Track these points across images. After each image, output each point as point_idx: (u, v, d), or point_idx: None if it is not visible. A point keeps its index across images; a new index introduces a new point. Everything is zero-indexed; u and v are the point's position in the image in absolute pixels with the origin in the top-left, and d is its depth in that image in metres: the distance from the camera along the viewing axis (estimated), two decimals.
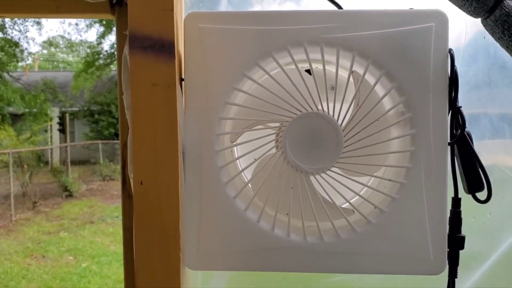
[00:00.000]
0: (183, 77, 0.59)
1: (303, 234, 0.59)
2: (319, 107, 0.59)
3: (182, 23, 0.58)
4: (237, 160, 0.62)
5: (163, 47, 0.52)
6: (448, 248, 0.59)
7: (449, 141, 0.59)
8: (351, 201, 0.59)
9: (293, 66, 0.59)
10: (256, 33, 0.58)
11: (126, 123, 0.56)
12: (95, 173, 10.30)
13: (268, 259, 0.59)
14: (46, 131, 11.41)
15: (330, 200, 0.59)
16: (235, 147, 0.63)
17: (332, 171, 0.59)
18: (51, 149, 11.08)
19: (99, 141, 11.59)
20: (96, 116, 12.75)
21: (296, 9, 0.64)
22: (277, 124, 0.60)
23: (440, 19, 0.57)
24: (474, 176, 0.58)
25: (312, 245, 0.59)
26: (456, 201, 0.60)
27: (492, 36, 0.61)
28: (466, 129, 0.58)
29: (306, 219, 0.59)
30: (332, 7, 0.63)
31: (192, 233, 0.58)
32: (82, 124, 13.13)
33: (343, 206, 0.60)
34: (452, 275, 0.59)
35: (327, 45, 0.58)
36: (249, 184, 0.61)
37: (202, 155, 0.58)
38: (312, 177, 0.59)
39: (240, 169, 0.61)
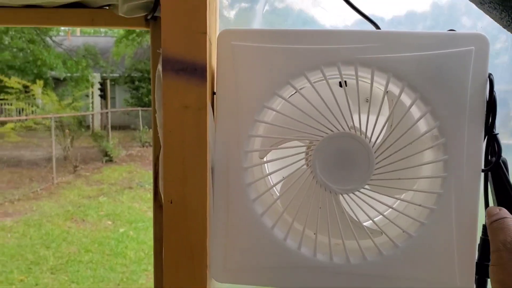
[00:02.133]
0: (215, 90, 0.59)
1: (329, 254, 0.59)
2: (351, 126, 0.58)
3: (216, 41, 0.58)
4: (267, 177, 0.63)
5: (195, 71, 0.52)
6: (476, 275, 0.58)
7: (483, 168, 0.57)
8: (378, 223, 0.59)
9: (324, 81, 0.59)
10: (288, 52, 0.57)
11: (158, 139, 0.57)
12: (134, 139, 10.54)
13: (293, 277, 0.60)
14: (87, 96, 11.69)
15: (357, 220, 0.59)
16: (265, 164, 0.63)
17: (362, 192, 0.59)
18: (92, 114, 11.38)
19: (139, 108, 11.81)
20: (137, 82, 12.95)
21: (330, 28, 0.62)
22: (307, 141, 0.60)
23: (481, 42, 0.55)
24: (507, 205, 0.57)
25: (338, 266, 0.59)
26: (487, 229, 0.59)
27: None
28: (502, 157, 0.56)
29: (333, 238, 0.59)
30: (370, 27, 0.61)
31: (219, 247, 0.60)
32: (123, 90, 13.37)
33: (371, 227, 0.60)
34: None
35: (362, 65, 0.57)
36: (277, 202, 0.61)
37: (231, 172, 0.59)
38: (340, 197, 0.59)
39: (270, 185, 0.62)
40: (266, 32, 0.58)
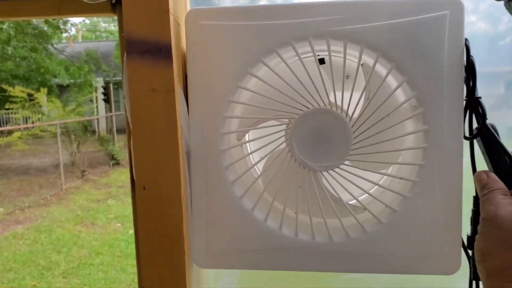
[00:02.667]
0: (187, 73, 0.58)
1: (311, 234, 0.58)
2: (327, 102, 0.57)
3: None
4: (247, 158, 0.62)
5: (160, 51, 0.51)
6: (469, 249, 0.56)
7: (467, 135, 0.55)
8: (360, 199, 0.58)
9: (304, 56, 0.57)
10: (258, 29, 0.56)
11: (130, 127, 0.56)
12: None
13: (276, 259, 0.58)
14: (91, 101, 11.72)
15: (338, 197, 0.57)
16: (245, 145, 0.62)
17: (341, 169, 0.57)
18: (97, 119, 11.42)
19: None
20: None
21: (300, 2, 0.60)
22: (286, 121, 0.58)
23: (455, 6, 0.53)
24: (505, 172, 0.54)
25: (321, 245, 0.58)
26: (478, 200, 0.56)
27: None
28: (488, 121, 0.54)
29: (315, 217, 0.58)
30: None
31: (200, 232, 0.59)
32: None
33: (353, 204, 0.58)
34: (476, 277, 0.56)
35: (334, 38, 0.55)
36: (257, 183, 0.60)
37: (208, 155, 0.58)
38: (320, 174, 0.58)
39: (250, 166, 0.60)
40: (235, 9, 0.57)
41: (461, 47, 0.54)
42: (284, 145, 0.58)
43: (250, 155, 0.62)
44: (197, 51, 0.57)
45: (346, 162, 0.57)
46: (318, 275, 0.62)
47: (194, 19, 0.56)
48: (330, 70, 0.55)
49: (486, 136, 0.54)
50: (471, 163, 0.55)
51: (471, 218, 0.56)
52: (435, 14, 0.53)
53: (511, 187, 0.53)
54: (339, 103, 0.56)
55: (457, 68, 0.54)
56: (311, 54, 0.56)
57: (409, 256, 0.56)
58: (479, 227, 0.50)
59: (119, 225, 5.41)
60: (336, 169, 0.57)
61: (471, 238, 0.55)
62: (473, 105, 0.54)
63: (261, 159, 0.59)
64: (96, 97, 12.02)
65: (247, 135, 0.62)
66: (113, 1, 0.57)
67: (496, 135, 0.53)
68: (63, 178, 7.15)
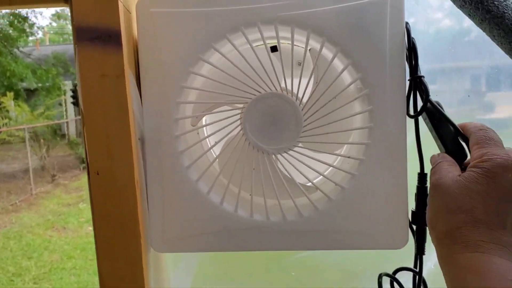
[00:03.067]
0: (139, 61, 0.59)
1: (265, 214, 0.59)
2: (278, 87, 0.58)
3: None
4: (202, 143, 0.63)
5: (110, 38, 0.52)
6: (414, 224, 0.59)
7: (412, 113, 0.58)
8: (314, 180, 0.60)
9: (257, 44, 0.59)
10: (208, 15, 0.57)
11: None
12: None
13: (232, 240, 0.60)
14: (60, 104, 11.52)
15: (291, 178, 0.59)
16: (200, 130, 0.63)
17: (294, 151, 0.59)
18: (67, 122, 11.22)
19: None
20: None
21: None
22: (240, 105, 0.60)
23: None
24: (453, 146, 0.56)
25: (275, 224, 0.59)
26: (422, 177, 0.58)
27: (454, 3, 0.60)
28: (432, 98, 0.56)
29: (269, 199, 0.59)
30: None
31: (156, 217, 0.60)
32: None
33: (306, 185, 0.60)
34: (420, 251, 0.59)
35: (282, 23, 0.57)
36: (213, 167, 0.61)
37: (162, 141, 0.59)
38: (274, 157, 0.59)
39: (208, 151, 0.62)
40: None
41: (402, 29, 0.56)
42: (238, 129, 0.60)
43: (206, 140, 0.63)
44: (148, 38, 0.58)
45: (299, 144, 0.59)
46: (272, 254, 0.64)
47: (144, 7, 0.57)
48: (279, 55, 0.57)
49: (431, 112, 0.56)
50: (416, 139, 0.58)
51: (416, 194, 0.58)
52: None
53: (460, 159, 0.55)
54: (290, 88, 0.58)
55: (399, 49, 0.56)
56: (266, 40, 0.58)
57: (358, 232, 0.59)
58: (428, 198, 0.52)
59: (91, 228, 5.31)
60: (290, 152, 0.59)
61: (415, 213, 0.58)
62: (416, 84, 0.57)
63: (216, 143, 0.60)
64: (65, 100, 11.80)
65: (202, 120, 0.63)
66: None
67: (441, 109, 0.55)
68: (32, 183, 7.01)
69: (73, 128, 11.42)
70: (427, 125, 0.58)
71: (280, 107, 0.58)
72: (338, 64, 0.59)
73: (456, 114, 0.86)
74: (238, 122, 0.59)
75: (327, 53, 0.59)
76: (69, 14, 0.61)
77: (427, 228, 0.57)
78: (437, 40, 0.87)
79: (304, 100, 0.58)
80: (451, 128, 0.55)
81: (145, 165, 0.59)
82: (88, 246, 4.74)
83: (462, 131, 0.54)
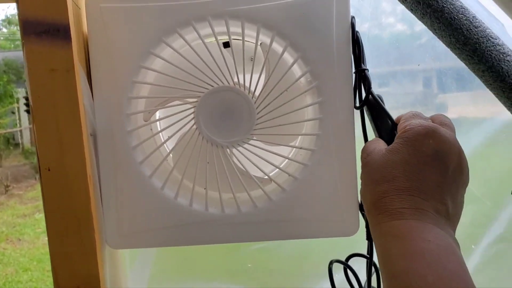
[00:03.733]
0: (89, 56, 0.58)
1: (220, 207, 0.60)
2: (231, 81, 0.59)
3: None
4: (156, 138, 0.63)
5: (58, 32, 0.51)
6: (361, 211, 0.61)
7: (357, 105, 0.60)
8: (268, 172, 0.61)
9: (211, 39, 0.59)
10: (158, 10, 0.57)
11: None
12: None
13: (188, 234, 0.60)
14: (13, 112, 11.12)
15: (245, 170, 0.60)
16: (154, 125, 0.63)
17: (248, 144, 0.60)
18: (20, 130, 10.83)
19: None
20: None
21: None
22: (193, 100, 0.60)
23: None
24: (388, 136, 0.59)
25: (230, 217, 0.60)
26: None
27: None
28: (374, 92, 0.58)
29: (224, 192, 0.60)
30: None
31: (110, 213, 0.59)
32: None
33: (259, 176, 0.61)
34: (370, 237, 0.61)
35: (232, 18, 0.58)
36: (167, 162, 0.61)
37: (114, 136, 0.59)
38: (228, 151, 0.60)
39: (162, 146, 0.62)
40: None
41: (347, 24, 0.58)
42: (191, 123, 0.60)
43: (160, 134, 0.63)
44: (98, 33, 0.57)
45: (253, 137, 0.60)
46: (228, 247, 0.65)
47: (94, 2, 0.57)
48: (231, 50, 0.58)
49: (371, 104, 0.58)
50: (362, 129, 0.60)
51: None
52: None
53: None
54: (241, 81, 0.59)
55: (345, 43, 0.58)
56: (220, 36, 0.59)
57: (311, 220, 0.60)
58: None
59: None
60: (244, 145, 0.60)
61: None
62: (361, 77, 0.59)
63: (169, 138, 0.60)
64: (18, 108, 11.40)
65: (156, 115, 0.63)
66: None
67: (380, 102, 0.58)
68: None
69: (27, 136, 11.04)
70: (367, 116, 0.60)
71: (233, 100, 0.59)
72: (288, 58, 0.60)
73: None
74: (191, 116, 0.60)
75: (278, 47, 0.60)
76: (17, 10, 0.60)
77: None
78: (390, 44, 0.90)
79: (257, 93, 0.59)
80: (388, 120, 0.58)
81: (98, 161, 0.58)
82: (46, 257, 4.58)
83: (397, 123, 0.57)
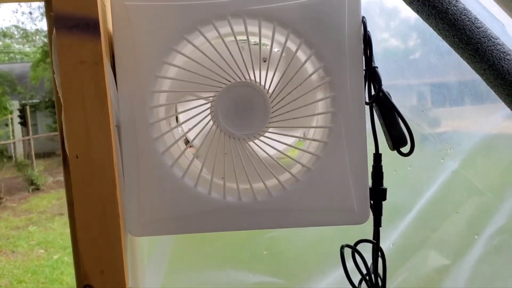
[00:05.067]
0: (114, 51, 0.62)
1: (238, 195, 0.63)
2: (247, 77, 0.63)
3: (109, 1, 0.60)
4: (177, 129, 0.66)
5: (88, 26, 0.54)
6: (371, 200, 0.64)
7: (367, 100, 0.64)
8: (280, 161, 0.64)
9: (230, 37, 0.63)
10: (181, 8, 0.61)
11: (60, 102, 0.59)
12: (61, 164, 10.07)
13: (206, 221, 0.63)
14: (6, 125, 11.09)
15: (261, 160, 0.63)
16: (173, 117, 0.66)
17: (264, 136, 0.63)
18: (14, 143, 10.79)
19: None
20: None
21: None
22: (212, 94, 0.63)
23: None
24: (396, 132, 0.63)
25: (247, 205, 0.63)
26: (377, 157, 0.65)
27: (404, 1, 0.66)
28: (384, 89, 0.62)
29: (241, 182, 0.63)
30: None
31: (132, 201, 0.62)
32: (44, 116, 12.78)
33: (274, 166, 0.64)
34: (377, 224, 0.65)
35: (249, 17, 0.61)
36: (186, 152, 0.64)
37: (137, 128, 0.61)
38: (244, 141, 0.63)
39: (179, 136, 0.65)
40: None
41: (359, 23, 0.62)
42: (210, 116, 0.63)
43: (181, 127, 0.66)
44: (123, 29, 0.61)
45: (268, 130, 0.63)
46: (244, 235, 0.67)
47: (119, 0, 0.60)
48: (248, 47, 0.62)
49: (381, 100, 0.62)
50: (371, 125, 0.64)
51: (372, 172, 0.64)
52: None
53: (401, 145, 0.62)
54: (258, 77, 0.62)
55: (356, 41, 0.62)
56: (238, 36, 0.62)
57: (324, 209, 0.63)
58: None
59: (42, 251, 5.14)
60: (260, 137, 0.63)
61: (371, 190, 0.64)
62: (371, 74, 0.63)
63: (189, 130, 0.63)
64: (12, 120, 11.38)
65: (177, 108, 0.66)
66: None
67: (389, 98, 0.62)
68: None
69: (21, 149, 11.00)
70: (375, 112, 0.64)
71: (249, 95, 0.62)
72: (302, 55, 0.64)
73: None
74: (210, 110, 0.63)
75: (292, 45, 0.63)
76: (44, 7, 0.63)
77: (383, 203, 0.64)
78: (384, 58, 0.94)
79: (271, 88, 0.63)
80: (396, 115, 0.61)
81: (122, 151, 0.61)
82: (40, 270, 4.56)
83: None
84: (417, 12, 0.66)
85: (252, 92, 0.62)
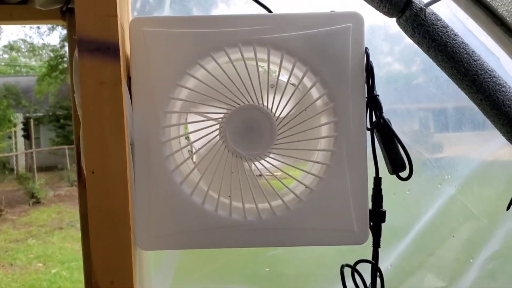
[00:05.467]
0: (130, 74, 0.65)
1: (243, 214, 0.66)
2: (255, 100, 0.66)
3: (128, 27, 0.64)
4: (184, 149, 0.69)
5: (109, 50, 0.58)
6: (371, 221, 0.67)
7: (368, 126, 0.67)
8: (285, 181, 0.67)
9: (240, 62, 0.66)
10: (195, 35, 0.65)
11: (78, 119, 0.62)
12: (62, 179, 10.12)
13: (212, 238, 0.66)
14: (10, 137, 11.16)
15: (267, 182, 0.66)
16: (186, 136, 0.70)
17: (269, 157, 0.66)
18: (16, 155, 10.84)
19: (66, 146, 11.39)
20: (62, 121, 12.47)
21: (230, 13, 0.70)
22: (221, 115, 0.67)
23: (356, 20, 0.65)
24: (396, 157, 0.66)
25: (252, 223, 0.66)
26: (377, 180, 0.68)
27: (405, 33, 0.70)
28: (385, 116, 0.66)
29: (246, 200, 0.66)
30: (263, 11, 0.70)
31: (142, 216, 0.65)
32: (48, 130, 12.86)
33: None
34: (376, 245, 0.68)
35: (259, 45, 0.65)
36: (195, 170, 0.67)
37: (150, 146, 0.65)
38: (251, 162, 0.66)
39: (188, 156, 0.68)
40: (174, 18, 0.65)
41: (362, 53, 0.66)
42: (218, 137, 0.66)
43: (191, 145, 0.70)
44: (140, 53, 0.64)
45: (274, 151, 0.66)
46: (246, 252, 0.70)
47: (138, 26, 0.64)
48: (257, 73, 0.65)
49: (382, 126, 0.65)
50: (372, 149, 0.67)
51: (372, 195, 0.68)
52: (340, 26, 0.65)
53: (400, 170, 0.65)
54: (265, 102, 0.66)
55: (359, 70, 0.66)
56: (250, 60, 0.66)
57: (325, 229, 0.66)
58: None
59: (40, 265, 5.12)
60: (266, 158, 0.66)
61: (371, 212, 0.67)
62: (373, 101, 0.66)
63: (198, 149, 0.67)
64: (15, 133, 11.45)
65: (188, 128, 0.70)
66: (64, 9, 0.64)
67: (390, 126, 0.65)
68: None
69: (23, 161, 11.03)
70: (376, 137, 0.67)
71: (257, 117, 0.66)
72: (307, 81, 0.67)
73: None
74: (219, 130, 0.66)
75: (297, 71, 0.67)
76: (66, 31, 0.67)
77: (383, 225, 0.67)
78: (388, 83, 0.96)
79: (277, 112, 0.66)
80: (396, 141, 0.65)
81: (134, 168, 0.64)
82: (37, 283, 4.55)
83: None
84: (418, 44, 0.70)
85: (259, 115, 0.66)
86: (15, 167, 10.60)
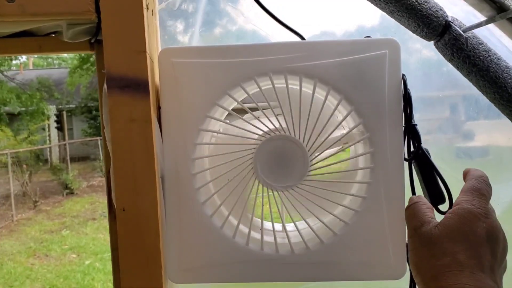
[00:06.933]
0: (160, 105, 0.64)
1: (275, 247, 0.64)
2: (286, 130, 0.64)
3: (157, 58, 0.63)
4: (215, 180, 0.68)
5: (139, 86, 0.57)
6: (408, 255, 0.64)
7: (406, 157, 0.64)
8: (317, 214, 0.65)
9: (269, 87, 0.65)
10: (224, 65, 0.63)
11: (109, 153, 0.62)
12: (95, 169, 10.36)
13: (243, 272, 0.64)
14: (44, 129, 11.45)
15: (299, 214, 0.64)
16: (217, 170, 0.68)
17: (301, 189, 0.64)
18: (50, 147, 11.13)
19: (98, 138, 11.63)
20: (94, 112, 12.74)
21: (260, 42, 0.68)
22: (253, 147, 0.65)
23: (393, 46, 0.62)
24: (435, 190, 0.63)
25: (284, 257, 0.64)
26: None
27: (444, 57, 0.66)
28: (423, 146, 0.63)
29: (278, 233, 0.64)
30: (295, 38, 0.68)
31: (173, 249, 0.64)
32: (80, 121, 13.15)
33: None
34: (413, 280, 0.65)
35: (291, 73, 0.63)
36: (225, 202, 0.66)
37: (180, 178, 0.64)
38: (282, 194, 0.64)
39: (218, 188, 0.67)
40: (203, 48, 0.64)
41: (398, 80, 0.63)
42: (248, 168, 0.65)
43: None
44: (169, 85, 0.63)
45: (306, 183, 0.64)
46: (278, 286, 0.69)
47: (167, 57, 0.63)
48: (288, 103, 0.63)
49: (420, 158, 0.63)
50: (409, 181, 0.64)
51: None
52: (376, 53, 0.62)
53: (439, 203, 0.62)
54: (297, 132, 0.64)
55: (396, 98, 0.63)
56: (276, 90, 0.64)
57: (361, 263, 0.64)
58: (409, 242, 0.56)
59: (74, 256, 5.27)
60: (297, 189, 0.64)
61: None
62: (410, 131, 0.63)
63: (229, 181, 0.65)
64: (49, 125, 11.74)
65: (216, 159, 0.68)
66: (92, 41, 0.63)
67: (429, 157, 0.62)
68: (14, 209, 6.92)
69: (56, 153, 11.32)
70: (414, 168, 0.64)
71: (288, 148, 0.64)
72: (342, 110, 0.65)
73: (436, 142, 0.91)
74: (249, 161, 0.65)
75: (332, 99, 0.65)
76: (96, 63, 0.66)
77: None
78: (417, 69, 0.92)
79: (309, 141, 0.64)
80: (435, 174, 0.62)
81: (165, 201, 0.63)
82: (71, 275, 4.68)
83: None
84: (457, 68, 0.67)
85: (291, 145, 0.64)
86: (49, 159, 10.89)
